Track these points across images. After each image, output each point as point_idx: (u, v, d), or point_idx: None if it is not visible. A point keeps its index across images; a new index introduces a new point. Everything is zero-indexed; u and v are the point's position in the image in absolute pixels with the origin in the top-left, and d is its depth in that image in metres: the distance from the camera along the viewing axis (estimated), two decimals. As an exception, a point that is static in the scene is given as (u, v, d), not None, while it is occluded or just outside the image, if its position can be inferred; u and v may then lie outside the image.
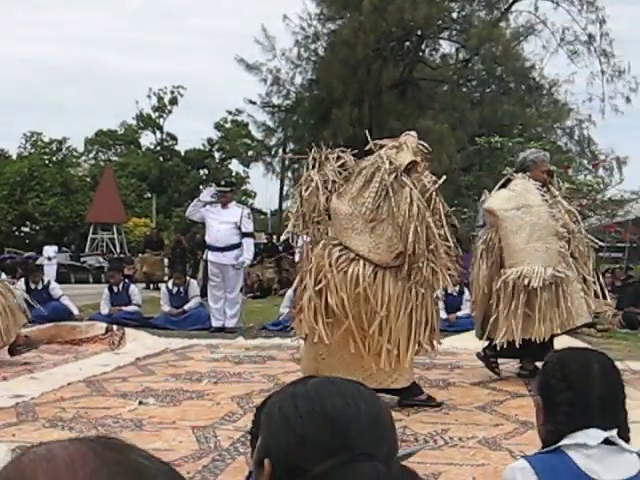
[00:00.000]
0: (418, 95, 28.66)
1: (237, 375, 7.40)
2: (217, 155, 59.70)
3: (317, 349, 5.82)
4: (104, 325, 9.96)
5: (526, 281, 6.66)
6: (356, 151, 6.31)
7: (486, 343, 7.30)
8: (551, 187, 7.26)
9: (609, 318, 11.49)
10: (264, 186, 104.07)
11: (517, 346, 6.71)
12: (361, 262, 5.66)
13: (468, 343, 8.65)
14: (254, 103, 29.67)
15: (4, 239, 41.78)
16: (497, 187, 7.30)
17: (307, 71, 29.34)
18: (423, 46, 29.63)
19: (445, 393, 6.48)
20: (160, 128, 58.30)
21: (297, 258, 14.41)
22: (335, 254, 5.71)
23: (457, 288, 10.57)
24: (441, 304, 9.64)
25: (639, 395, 6.02)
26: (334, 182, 6.00)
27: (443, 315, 10.31)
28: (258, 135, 33.06)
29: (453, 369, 7.73)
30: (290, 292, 11.44)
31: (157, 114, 57.72)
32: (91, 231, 41.80)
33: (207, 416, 5.61)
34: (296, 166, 28.66)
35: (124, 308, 11.55)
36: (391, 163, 5.75)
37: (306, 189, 6.07)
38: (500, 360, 7.22)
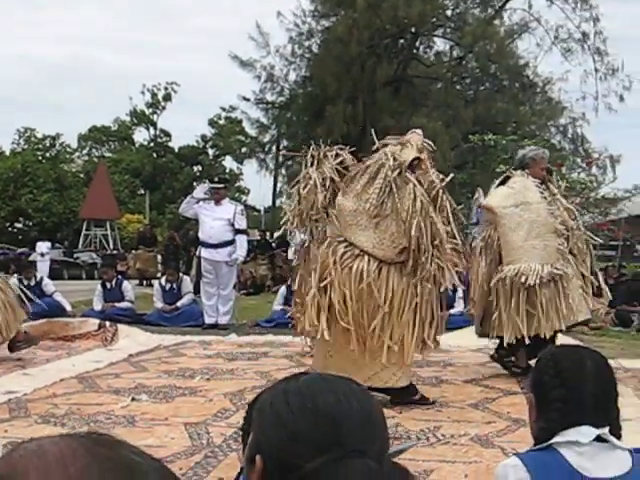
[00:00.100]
0: (412, 92, 28.65)
1: (230, 372, 7.40)
2: (211, 152, 59.69)
3: (326, 346, 5.83)
4: (97, 321, 9.95)
5: (523, 278, 6.66)
6: (353, 148, 6.31)
7: (482, 340, 7.29)
8: (550, 184, 7.27)
9: (602, 316, 11.53)
10: (258, 183, 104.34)
11: (526, 342, 6.70)
12: (366, 258, 5.67)
13: (461, 341, 8.67)
14: (248, 100, 29.61)
15: (-3, 235, 41.73)
16: (496, 184, 7.30)
17: (301, 68, 29.29)
18: (417, 43, 29.59)
19: (437, 391, 6.48)
20: (154, 124, 58.28)
21: (291, 254, 14.37)
22: (340, 251, 5.72)
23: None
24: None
25: (631, 393, 6.06)
26: (332, 180, 6.00)
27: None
28: (252, 132, 32.97)
29: (446, 367, 7.72)
30: (283, 289, 11.44)
31: (151, 110, 57.72)
32: (84, 227, 41.78)
33: (200, 413, 5.61)
34: (290, 163, 28.61)
35: (117, 304, 11.55)
36: (395, 160, 5.76)
37: (304, 187, 6.06)
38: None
